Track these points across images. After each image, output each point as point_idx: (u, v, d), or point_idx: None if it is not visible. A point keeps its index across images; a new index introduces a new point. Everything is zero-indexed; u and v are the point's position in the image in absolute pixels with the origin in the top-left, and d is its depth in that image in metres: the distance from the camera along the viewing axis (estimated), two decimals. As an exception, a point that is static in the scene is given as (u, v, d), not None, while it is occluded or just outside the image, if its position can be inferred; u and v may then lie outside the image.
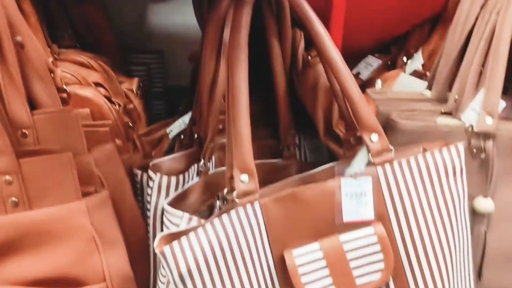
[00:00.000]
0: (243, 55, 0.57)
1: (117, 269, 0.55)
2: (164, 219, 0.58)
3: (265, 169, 0.73)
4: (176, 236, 0.53)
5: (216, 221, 0.54)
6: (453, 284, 0.60)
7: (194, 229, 0.53)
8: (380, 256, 0.57)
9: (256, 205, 0.56)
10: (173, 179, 0.64)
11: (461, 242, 0.61)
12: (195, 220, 0.56)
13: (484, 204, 0.66)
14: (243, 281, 0.55)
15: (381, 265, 0.57)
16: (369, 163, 0.58)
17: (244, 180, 0.55)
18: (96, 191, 0.59)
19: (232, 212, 0.55)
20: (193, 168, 0.66)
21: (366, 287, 0.56)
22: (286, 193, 0.57)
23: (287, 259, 0.56)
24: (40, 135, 0.58)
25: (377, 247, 0.57)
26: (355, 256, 0.56)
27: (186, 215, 0.56)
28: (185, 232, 0.54)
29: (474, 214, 0.67)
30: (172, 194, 0.62)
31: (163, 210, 0.58)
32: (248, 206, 0.56)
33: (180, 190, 0.63)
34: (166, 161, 0.66)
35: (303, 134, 0.82)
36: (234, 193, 0.55)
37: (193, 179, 0.66)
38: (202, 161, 0.65)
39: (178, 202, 0.61)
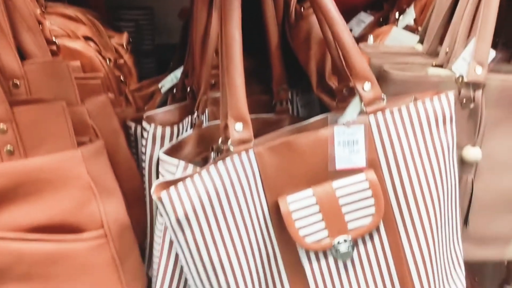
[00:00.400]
0: (236, 2, 0.57)
1: (114, 216, 0.56)
2: (160, 168, 0.59)
3: (258, 124, 0.73)
4: (172, 183, 0.54)
5: (212, 168, 0.55)
6: (441, 230, 0.62)
7: (190, 176, 0.54)
8: (371, 201, 0.58)
9: (251, 153, 0.57)
10: (168, 130, 0.64)
11: (449, 190, 0.63)
12: (190, 168, 0.57)
13: (472, 153, 0.68)
14: (239, 226, 0.57)
15: (372, 210, 0.58)
16: (362, 112, 0.59)
17: (238, 129, 0.56)
18: (91, 141, 0.59)
19: (228, 160, 0.56)
20: (187, 121, 0.66)
21: (358, 231, 0.58)
22: (280, 141, 0.58)
23: (281, 206, 0.57)
24: (32, 85, 0.58)
25: (369, 193, 0.58)
26: (347, 201, 0.58)
27: (182, 163, 0.57)
28: (181, 179, 0.54)
29: (462, 163, 0.68)
30: (167, 145, 0.63)
31: (158, 160, 0.59)
32: (243, 154, 0.56)
33: (174, 141, 0.63)
34: (160, 113, 0.66)
35: (296, 90, 0.82)
36: (229, 142, 0.56)
37: (187, 131, 0.66)
38: (196, 113, 0.65)
39: (173, 153, 0.61)
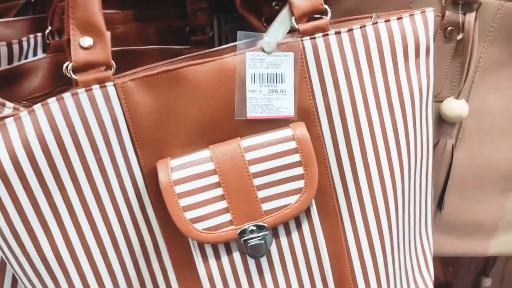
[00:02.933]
0: None
1: None
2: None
3: (164, 58, 0.52)
4: None
5: (39, 111, 0.34)
6: (402, 215, 0.43)
7: (1, 119, 0.33)
8: (299, 170, 0.38)
9: (110, 88, 0.36)
10: (3, 48, 0.42)
11: (418, 157, 0.43)
12: (9, 108, 0.36)
13: (455, 107, 0.47)
14: (87, 202, 0.36)
15: (300, 184, 0.38)
16: (292, 31, 0.38)
17: (85, 45, 0.35)
18: None
19: (67, 97, 0.35)
20: (34, 40, 0.45)
21: (277, 216, 0.38)
22: (160, 70, 0.37)
23: (160, 174, 0.37)
24: None
25: (296, 157, 0.38)
26: (261, 169, 0.38)
27: (-6, 100, 0.36)
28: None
29: (441, 121, 0.48)
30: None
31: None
32: (96, 89, 0.35)
33: (9, 66, 0.41)
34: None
35: (224, 16, 0.61)
36: (69, 66, 0.35)
37: (36, 55, 0.45)
38: (49, 28, 0.43)
39: (7, 85, 0.40)
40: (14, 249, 0.36)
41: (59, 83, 0.44)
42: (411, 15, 0.40)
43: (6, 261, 0.37)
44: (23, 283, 0.38)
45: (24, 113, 0.34)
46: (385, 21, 0.40)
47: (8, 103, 0.36)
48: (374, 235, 0.41)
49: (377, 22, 0.40)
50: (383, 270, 0.42)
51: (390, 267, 0.43)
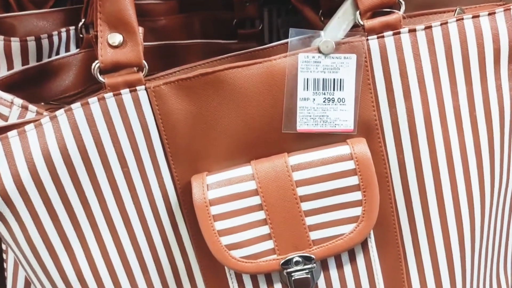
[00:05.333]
0: None
1: None
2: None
3: (207, 53, 0.47)
4: None
5: (62, 117, 0.30)
6: (479, 250, 0.35)
7: (24, 123, 0.30)
8: (357, 195, 0.32)
9: (141, 92, 0.31)
10: (31, 43, 0.38)
11: (503, 185, 0.35)
12: (32, 112, 0.32)
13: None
14: (112, 219, 0.32)
15: (357, 211, 0.32)
16: (355, 28, 0.32)
17: (114, 43, 0.30)
18: None
19: (92, 102, 0.31)
20: (66, 33, 0.40)
21: (328, 247, 0.32)
22: (197, 73, 0.32)
23: (194, 190, 0.32)
24: None
25: (353, 180, 0.32)
26: (311, 192, 0.32)
27: (18, 101, 0.32)
28: (6, 129, 0.30)
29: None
30: (19, 67, 0.38)
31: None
32: (125, 93, 0.31)
33: (38, 63, 0.38)
34: (20, 16, 0.39)
35: (276, 8, 0.55)
36: (96, 67, 0.31)
37: (69, 50, 0.41)
38: (83, 21, 0.39)
39: (32, 84, 0.37)
40: (35, 267, 0.33)
41: (93, 81, 0.40)
42: (507, 10, 0.33)
43: (28, 277, 0.34)
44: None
45: (45, 119, 0.31)
46: (473, 17, 0.32)
47: (31, 106, 0.32)
48: (443, 275, 0.34)
49: (462, 18, 0.33)
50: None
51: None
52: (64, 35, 0.41)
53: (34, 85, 0.37)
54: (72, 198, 0.32)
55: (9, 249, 0.39)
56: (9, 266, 0.39)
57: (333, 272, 0.34)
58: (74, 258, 0.32)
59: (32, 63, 0.39)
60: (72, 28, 0.41)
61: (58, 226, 0.32)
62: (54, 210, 0.31)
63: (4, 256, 0.41)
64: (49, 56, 0.40)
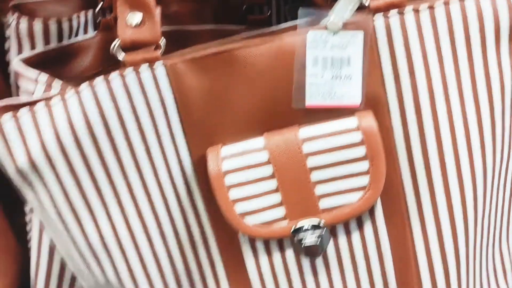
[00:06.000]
0: None
1: None
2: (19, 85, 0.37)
3: (218, 38, 0.49)
4: (22, 107, 0.33)
5: (85, 92, 0.32)
6: (482, 219, 0.37)
7: (48, 98, 0.32)
8: (364, 165, 0.34)
9: (159, 68, 0.34)
10: (52, 26, 0.41)
11: (504, 158, 0.37)
12: (57, 86, 0.34)
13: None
14: (133, 190, 0.35)
15: (365, 181, 0.34)
16: (361, 8, 0.34)
17: (133, 22, 0.32)
18: None
19: (114, 77, 0.33)
20: (85, 17, 0.42)
21: (336, 214, 0.34)
22: (211, 52, 0.34)
23: (210, 162, 0.34)
24: None
25: (361, 151, 0.34)
26: (320, 162, 0.34)
27: (43, 77, 0.34)
28: (33, 103, 0.32)
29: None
30: (40, 48, 0.40)
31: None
32: (144, 68, 0.33)
33: (59, 44, 0.40)
34: (40, 2, 0.41)
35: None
36: (115, 45, 0.33)
37: (86, 33, 0.43)
38: (100, 5, 0.41)
39: (52, 64, 0.39)
40: (61, 233, 0.35)
41: (110, 62, 0.42)
42: (508, -10, 0.34)
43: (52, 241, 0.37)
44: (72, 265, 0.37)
45: (70, 93, 0.33)
46: (474, -3, 0.34)
47: (55, 83, 0.34)
48: (447, 240, 0.36)
49: (465, -4, 0.34)
50: (454, 280, 0.37)
51: (463, 277, 0.38)
52: (83, 18, 0.42)
53: (55, 65, 0.39)
54: (95, 168, 0.34)
55: (33, 220, 0.42)
56: (34, 237, 0.42)
57: (342, 239, 0.36)
58: (97, 224, 0.35)
59: (53, 44, 0.41)
60: (90, 11, 0.43)
61: (83, 194, 0.34)
62: (78, 179, 0.34)
63: (28, 228, 0.43)
64: (69, 39, 0.42)
